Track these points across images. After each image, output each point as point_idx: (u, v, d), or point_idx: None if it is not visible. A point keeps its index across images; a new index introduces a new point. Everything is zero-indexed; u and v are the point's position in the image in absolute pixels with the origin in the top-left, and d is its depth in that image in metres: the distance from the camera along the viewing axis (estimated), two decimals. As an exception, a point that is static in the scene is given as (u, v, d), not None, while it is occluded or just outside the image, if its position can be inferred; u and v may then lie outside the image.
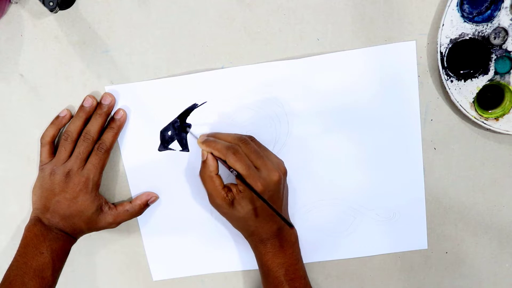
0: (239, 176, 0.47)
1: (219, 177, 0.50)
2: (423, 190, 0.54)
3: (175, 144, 0.54)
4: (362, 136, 0.53)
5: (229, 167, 0.47)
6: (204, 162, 0.50)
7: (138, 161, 0.55)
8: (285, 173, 0.50)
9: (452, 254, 0.57)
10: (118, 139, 0.54)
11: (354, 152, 0.53)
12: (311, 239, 0.56)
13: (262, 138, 0.53)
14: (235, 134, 0.51)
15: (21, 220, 0.58)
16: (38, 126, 0.54)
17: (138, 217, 0.57)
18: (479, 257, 0.57)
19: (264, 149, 0.51)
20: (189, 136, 0.54)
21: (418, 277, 0.57)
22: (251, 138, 0.50)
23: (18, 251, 0.51)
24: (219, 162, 0.50)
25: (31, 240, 0.50)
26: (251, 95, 0.52)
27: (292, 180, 0.54)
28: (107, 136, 0.52)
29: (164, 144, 0.54)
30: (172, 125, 0.54)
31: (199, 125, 0.53)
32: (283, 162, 0.50)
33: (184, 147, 0.54)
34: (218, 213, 0.52)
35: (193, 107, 0.53)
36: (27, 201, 0.57)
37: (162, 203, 0.56)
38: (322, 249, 0.56)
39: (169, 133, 0.54)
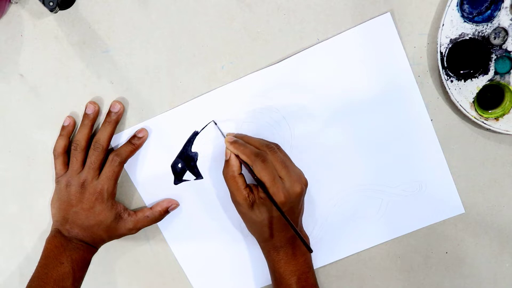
0: (261, 185, 0.46)
1: (242, 176, 0.49)
2: (442, 154, 0.53)
3: (188, 175, 0.55)
4: (366, 117, 0.52)
5: (253, 173, 0.47)
6: (227, 162, 0.49)
7: (157, 197, 0.56)
8: (306, 184, 0.49)
9: (452, 254, 0.56)
10: (133, 182, 0.55)
11: (362, 135, 0.53)
12: (346, 230, 0.56)
13: None
14: (262, 140, 0.51)
15: (21, 220, 0.58)
16: (38, 126, 0.55)
17: (170, 245, 0.57)
18: (479, 257, 0.56)
19: (288, 159, 0.50)
20: (200, 162, 0.54)
21: (418, 277, 0.57)
22: (277, 146, 0.50)
23: (39, 262, 0.51)
24: (242, 164, 0.49)
25: (51, 251, 0.51)
26: (245, 109, 0.53)
27: (310, 179, 0.53)
28: (125, 150, 0.52)
29: (178, 177, 0.55)
30: (179, 157, 0.54)
31: (206, 149, 0.54)
32: (303, 173, 0.50)
33: (198, 175, 0.55)
34: (247, 232, 0.53)
35: (195, 135, 0.53)
36: (27, 201, 0.57)
37: (190, 232, 0.57)
38: (359, 238, 0.56)
39: (179, 165, 0.54)
